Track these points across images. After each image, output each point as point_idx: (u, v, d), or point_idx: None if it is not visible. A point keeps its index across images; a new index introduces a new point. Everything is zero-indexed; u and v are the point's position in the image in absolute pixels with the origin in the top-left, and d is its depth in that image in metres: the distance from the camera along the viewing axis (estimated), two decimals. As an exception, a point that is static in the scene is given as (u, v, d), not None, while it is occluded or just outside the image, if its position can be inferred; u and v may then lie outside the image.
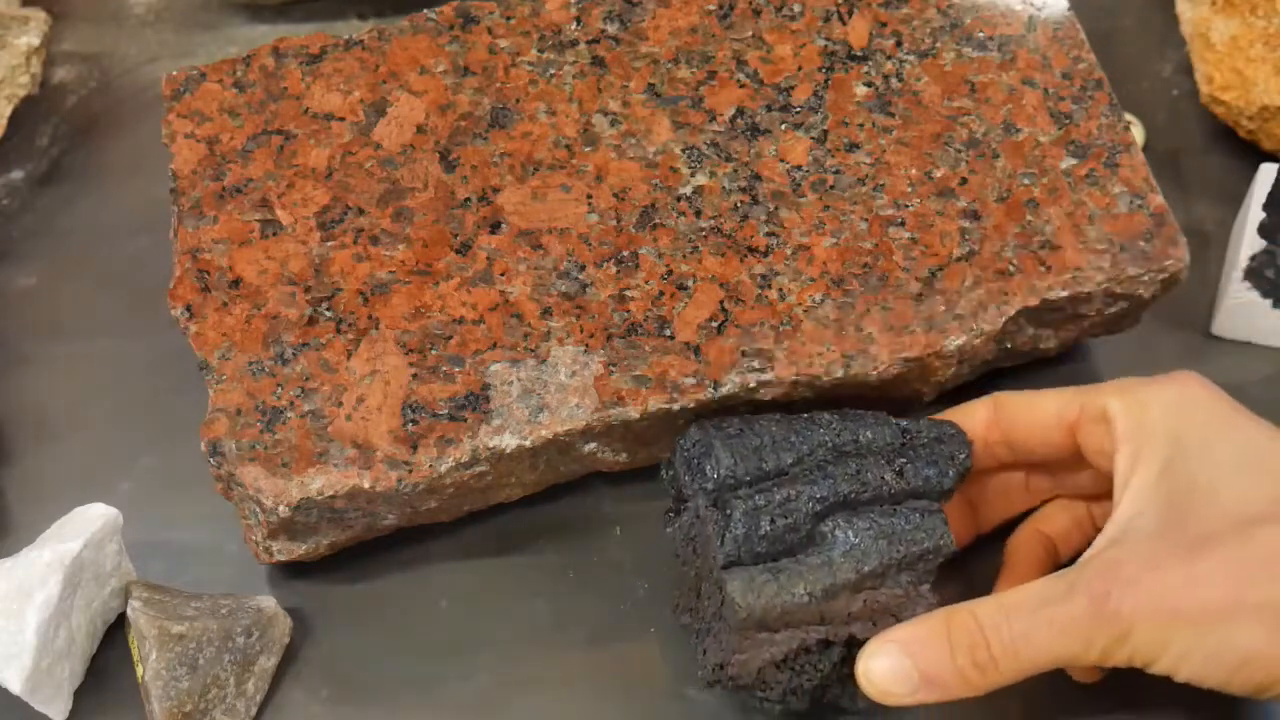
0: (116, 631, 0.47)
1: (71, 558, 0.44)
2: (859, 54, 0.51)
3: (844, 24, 0.52)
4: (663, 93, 0.51)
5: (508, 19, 0.52)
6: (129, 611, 0.46)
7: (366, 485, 0.44)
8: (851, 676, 0.44)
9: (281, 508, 0.44)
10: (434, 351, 0.46)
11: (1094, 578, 0.38)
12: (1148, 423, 0.41)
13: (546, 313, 0.46)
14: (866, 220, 0.48)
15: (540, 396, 0.45)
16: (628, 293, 0.47)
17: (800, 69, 0.51)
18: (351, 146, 0.50)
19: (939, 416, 0.46)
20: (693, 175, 0.49)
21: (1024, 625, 0.38)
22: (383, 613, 0.48)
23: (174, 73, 0.51)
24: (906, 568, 0.43)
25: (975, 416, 0.45)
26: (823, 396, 0.46)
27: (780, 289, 0.47)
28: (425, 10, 0.52)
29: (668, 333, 0.46)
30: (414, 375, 0.45)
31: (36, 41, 0.59)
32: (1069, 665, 0.39)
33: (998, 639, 0.39)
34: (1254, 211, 0.53)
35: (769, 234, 0.48)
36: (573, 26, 0.52)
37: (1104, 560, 0.39)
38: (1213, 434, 0.40)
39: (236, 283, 0.47)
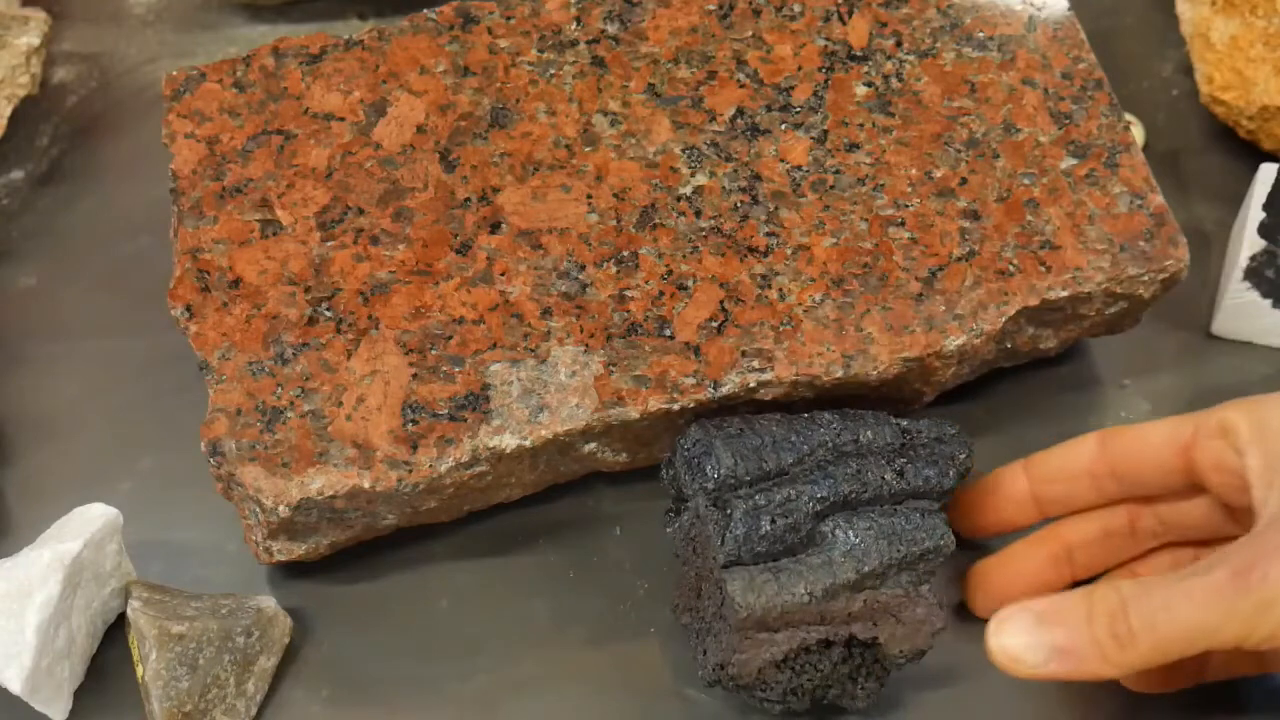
0: (116, 631, 0.47)
1: (71, 558, 0.44)
2: (859, 54, 0.51)
3: (844, 24, 0.52)
4: (663, 93, 0.51)
5: (508, 19, 0.52)
6: (129, 611, 0.46)
7: (366, 485, 0.44)
8: (851, 677, 0.44)
9: (281, 508, 0.44)
10: (434, 351, 0.46)
11: (1237, 552, 0.38)
12: (1273, 426, 0.40)
13: (546, 313, 0.46)
14: (866, 220, 0.48)
15: (540, 396, 0.45)
16: (628, 293, 0.47)
17: (800, 69, 0.51)
18: (351, 146, 0.50)
19: (1051, 449, 0.45)
20: (693, 175, 0.49)
21: (1164, 596, 0.37)
22: (383, 613, 0.48)
23: (174, 73, 0.51)
24: (907, 568, 0.43)
25: (1082, 451, 0.44)
26: (823, 396, 0.46)
27: (780, 289, 0.47)
28: (425, 10, 0.52)
29: (668, 333, 0.46)
30: (414, 375, 0.45)
31: (36, 41, 0.59)
32: (1208, 645, 0.38)
33: (1137, 609, 0.37)
34: (1254, 211, 0.53)
35: (769, 234, 0.48)
36: (573, 26, 0.52)
37: (1249, 538, 0.38)
38: None
39: (236, 283, 0.47)
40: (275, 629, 0.46)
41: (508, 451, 0.45)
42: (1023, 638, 0.38)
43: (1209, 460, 0.42)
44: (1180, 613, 0.37)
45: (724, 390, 0.45)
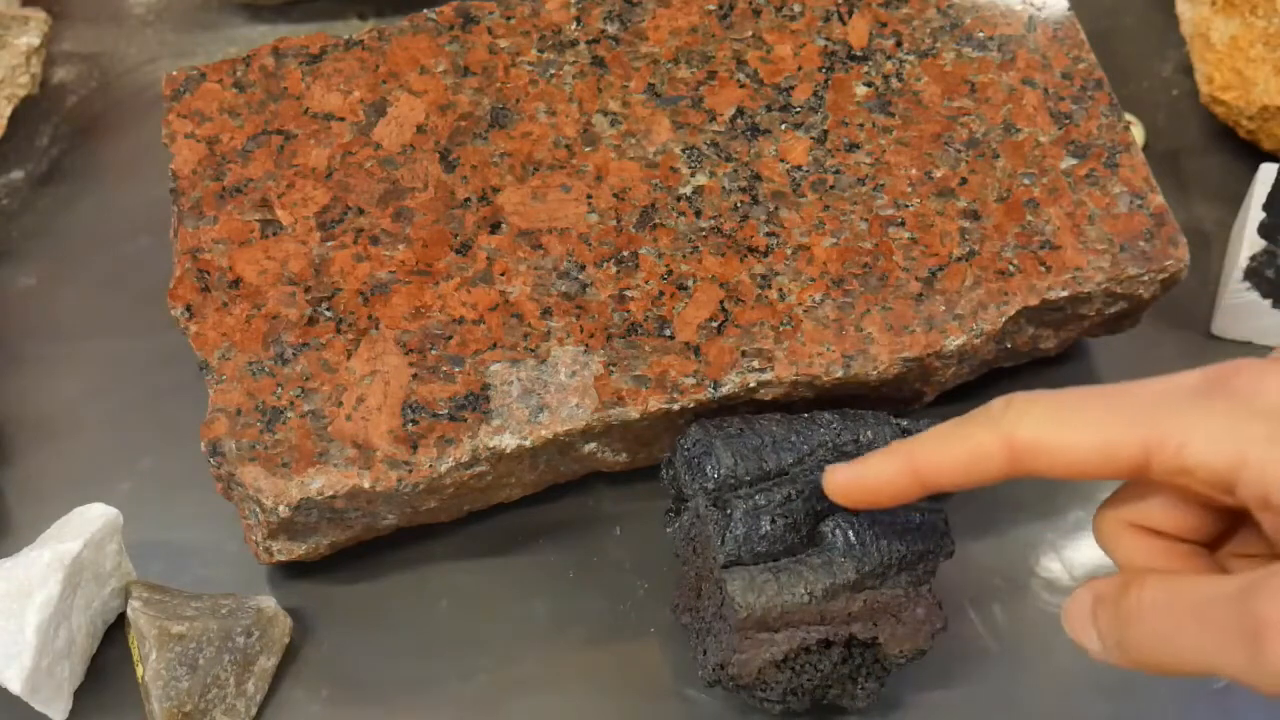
0: (116, 631, 0.47)
1: (71, 558, 0.44)
2: (859, 54, 0.51)
3: (844, 24, 0.52)
4: (663, 93, 0.51)
5: (508, 19, 0.52)
6: (129, 611, 0.46)
7: (366, 485, 0.44)
8: (851, 677, 0.44)
9: (281, 508, 0.44)
10: (434, 351, 0.46)
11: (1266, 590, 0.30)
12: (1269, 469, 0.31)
13: (546, 313, 0.46)
14: (866, 220, 0.48)
15: (540, 396, 0.45)
16: (628, 293, 0.47)
17: (800, 69, 0.51)
18: (351, 146, 0.50)
19: (944, 454, 0.36)
20: (693, 175, 0.49)
21: (1170, 596, 0.32)
22: (383, 613, 0.48)
23: (174, 73, 0.51)
24: (906, 568, 0.43)
25: (987, 467, 0.35)
26: (823, 396, 0.46)
27: (780, 289, 0.47)
28: (425, 10, 0.52)
29: (668, 333, 0.46)
30: (414, 375, 0.45)
31: (36, 41, 0.59)
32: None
33: (1141, 592, 0.33)
34: (1254, 211, 0.53)
35: (769, 234, 0.48)
36: (573, 26, 0.52)
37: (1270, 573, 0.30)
38: None
39: (236, 283, 0.47)
40: (275, 629, 0.46)
41: (508, 451, 0.45)
42: (1076, 607, 0.35)
43: (1185, 492, 0.34)
44: (1184, 638, 0.32)
45: (724, 390, 0.45)
